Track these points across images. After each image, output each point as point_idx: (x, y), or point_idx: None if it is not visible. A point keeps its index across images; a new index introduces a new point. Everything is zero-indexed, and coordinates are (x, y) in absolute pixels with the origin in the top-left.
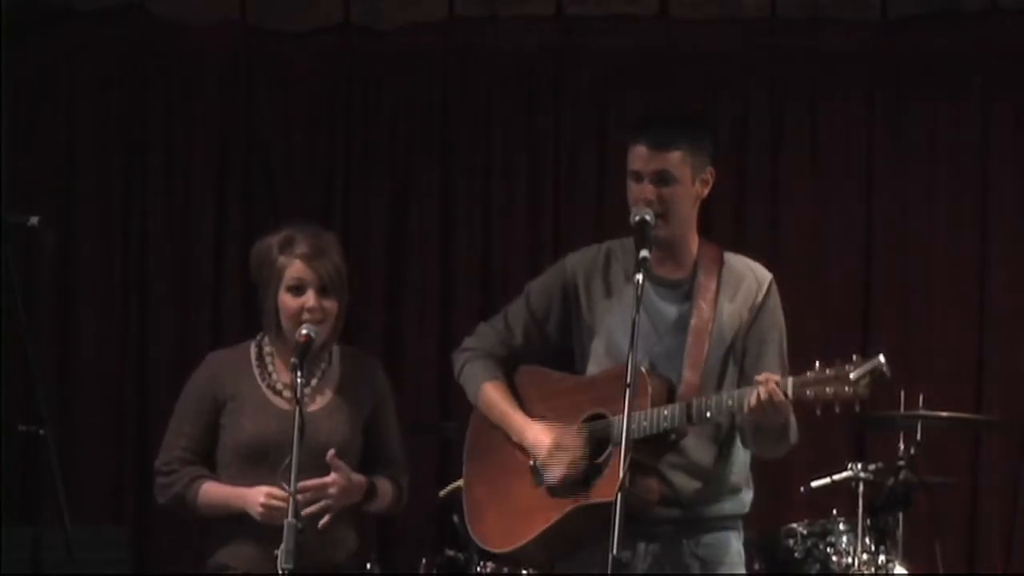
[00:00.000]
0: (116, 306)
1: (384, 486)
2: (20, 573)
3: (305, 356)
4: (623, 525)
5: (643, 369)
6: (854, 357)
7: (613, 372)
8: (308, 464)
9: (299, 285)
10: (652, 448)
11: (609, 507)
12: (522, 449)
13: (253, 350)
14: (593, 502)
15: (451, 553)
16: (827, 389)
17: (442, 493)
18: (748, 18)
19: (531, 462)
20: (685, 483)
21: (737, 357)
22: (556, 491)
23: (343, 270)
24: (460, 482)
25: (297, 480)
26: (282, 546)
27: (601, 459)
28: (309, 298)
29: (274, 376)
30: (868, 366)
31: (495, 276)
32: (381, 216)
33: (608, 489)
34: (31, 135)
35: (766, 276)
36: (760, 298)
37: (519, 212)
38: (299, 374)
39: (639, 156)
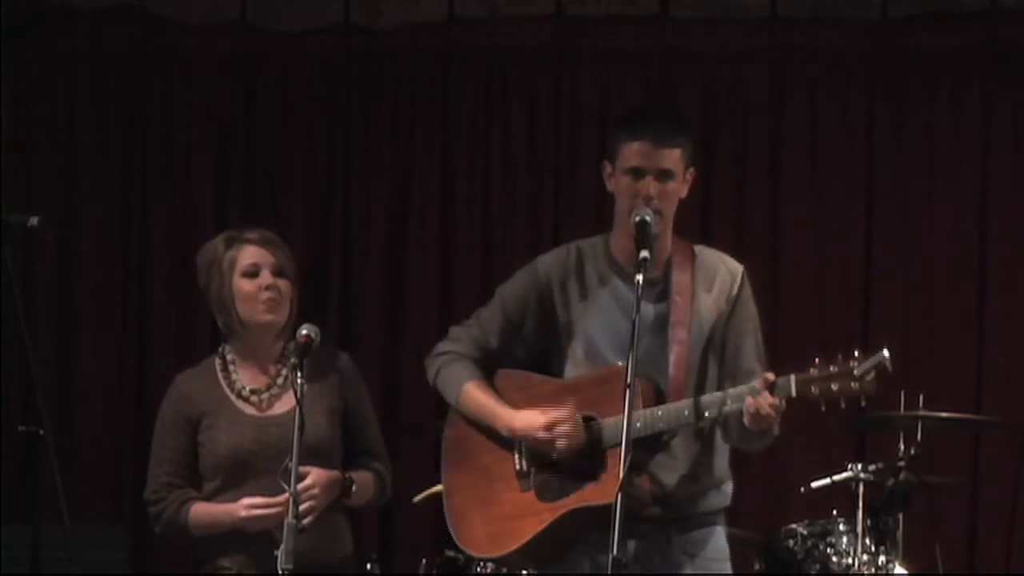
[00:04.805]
0: (116, 306)
1: (364, 478)
2: (20, 573)
3: (305, 356)
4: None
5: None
6: (856, 353)
7: (597, 375)
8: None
9: (254, 270)
10: (645, 449)
11: (602, 509)
12: (507, 450)
13: (217, 362)
14: (589, 505)
15: (451, 553)
16: (832, 386)
17: (417, 499)
18: (748, 18)
19: (516, 467)
20: (673, 480)
21: (716, 350)
22: (546, 495)
23: (292, 259)
24: (438, 488)
25: (297, 479)
26: (282, 546)
27: (594, 461)
28: (266, 278)
29: (239, 383)
30: (873, 361)
31: (495, 276)
32: (381, 216)
33: (603, 491)
34: (31, 135)
35: (738, 268)
36: (736, 290)
37: (519, 212)
38: (300, 374)
39: (640, 152)
